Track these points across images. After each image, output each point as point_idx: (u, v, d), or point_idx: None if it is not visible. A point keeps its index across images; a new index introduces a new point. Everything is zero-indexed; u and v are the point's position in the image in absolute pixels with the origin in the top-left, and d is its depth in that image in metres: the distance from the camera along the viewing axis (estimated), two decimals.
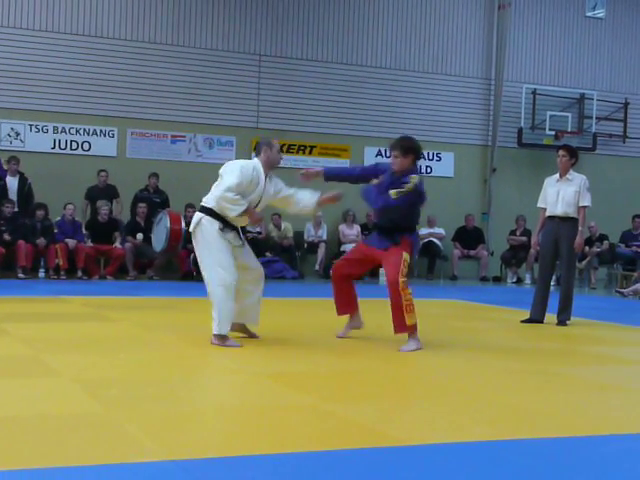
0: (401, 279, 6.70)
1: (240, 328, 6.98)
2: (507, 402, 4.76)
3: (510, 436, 3.94)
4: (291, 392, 4.85)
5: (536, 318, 9.03)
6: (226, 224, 6.67)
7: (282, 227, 16.38)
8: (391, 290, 6.75)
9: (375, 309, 8.14)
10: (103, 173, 14.83)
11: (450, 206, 17.76)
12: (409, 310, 6.69)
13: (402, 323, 6.69)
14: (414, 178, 6.94)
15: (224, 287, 6.51)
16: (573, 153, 9.12)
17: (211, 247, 6.60)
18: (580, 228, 8.90)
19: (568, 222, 8.93)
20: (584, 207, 8.91)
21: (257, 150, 7.01)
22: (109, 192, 14.83)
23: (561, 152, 9.09)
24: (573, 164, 9.07)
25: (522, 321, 9.07)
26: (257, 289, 6.90)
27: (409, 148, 7.08)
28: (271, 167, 6.92)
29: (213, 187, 6.82)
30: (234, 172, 6.69)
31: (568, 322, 8.98)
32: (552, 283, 16.02)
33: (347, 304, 7.39)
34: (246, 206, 6.61)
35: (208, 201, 6.74)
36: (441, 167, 18.13)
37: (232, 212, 6.59)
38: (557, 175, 9.10)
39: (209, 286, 6.60)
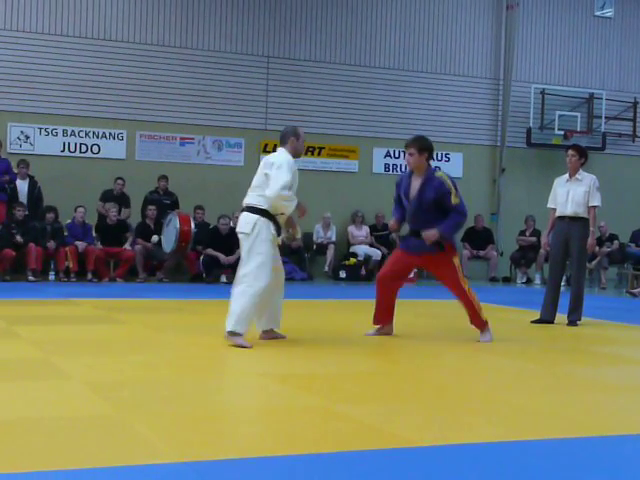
0: (465, 287, 7.32)
1: (269, 335, 6.99)
2: (518, 403, 4.75)
3: (521, 437, 3.93)
4: (301, 393, 4.86)
5: (546, 318, 9.01)
6: (278, 227, 6.76)
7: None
8: (462, 298, 7.41)
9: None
10: (120, 181, 14.84)
11: None
12: (480, 308, 7.36)
13: (480, 321, 7.39)
14: (442, 175, 7.22)
15: (263, 290, 6.55)
16: (582, 153, 9.09)
17: (262, 250, 6.62)
18: (592, 228, 8.88)
19: (578, 222, 8.90)
20: (594, 207, 8.89)
21: (283, 140, 6.90)
22: (122, 200, 14.84)
23: (570, 152, 9.06)
24: (583, 164, 9.04)
25: (532, 321, 9.05)
26: (282, 292, 6.99)
27: (424, 146, 7.22)
28: (296, 157, 6.90)
29: (256, 186, 6.77)
30: (284, 168, 6.62)
31: (579, 322, 8.96)
32: (562, 283, 16.12)
33: (386, 315, 7.57)
34: (297, 200, 6.70)
35: (260, 202, 6.69)
36: (450, 168, 18.05)
37: (289, 209, 6.68)
38: (567, 175, 9.07)
39: (246, 284, 6.56)
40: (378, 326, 7.59)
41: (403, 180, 7.40)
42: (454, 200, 7.13)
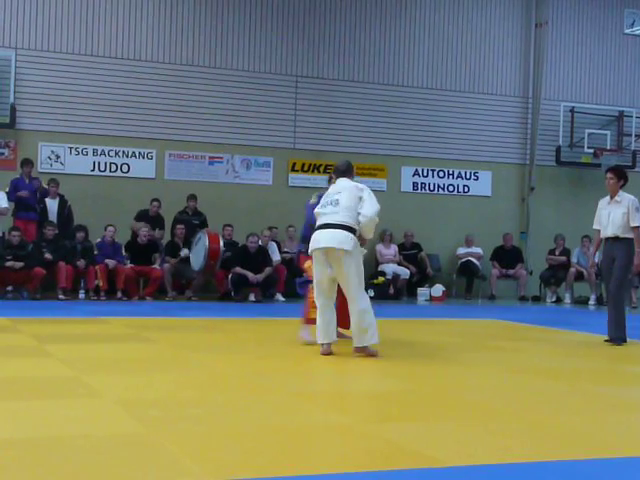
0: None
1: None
2: (549, 423, 4.71)
3: (553, 457, 3.89)
4: (330, 412, 4.84)
5: (611, 336, 8.95)
6: None
7: None
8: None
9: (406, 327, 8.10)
10: (155, 203, 14.93)
11: (488, 225, 17.68)
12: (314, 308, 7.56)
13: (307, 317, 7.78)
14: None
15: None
16: (621, 175, 9.13)
17: (360, 266, 7.20)
18: (637, 249, 8.84)
19: (621, 242, 8.92)
20: (636, 227, 8.87)
21: (348, 171, 7.66)
22: (156, 222, 14.93)
23: (608, 175, 9.11)
24: (622, 186, 9.07)
25: (605, 340, 8.97)
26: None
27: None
28: None
29: (348, 207, 7.21)
30: (374, 198, 7.36)
31: (623, 343, 8.87)
32: (591, 302, 15.99)
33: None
34: None
35: (353, 222, 7.18)
36: (479, 186, 18.06)
37: (372, 235, 7.40)
38: (608, 197, 9.11)
39: (364, 300, 7.14)
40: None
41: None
42: None
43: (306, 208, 8.08)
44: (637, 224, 8.87)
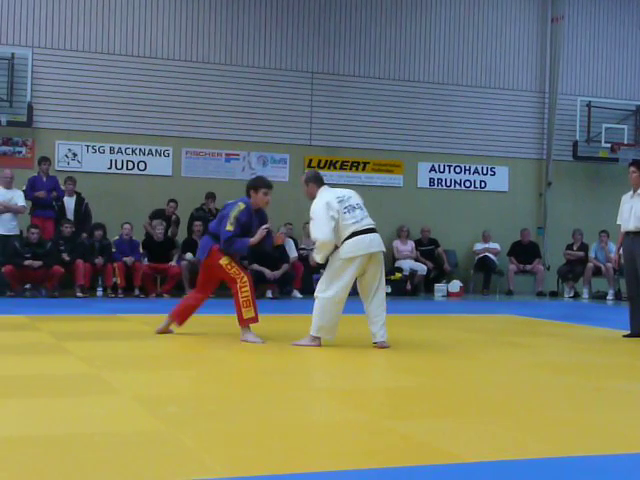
0: (237, 284, 7.80)
1: None
2: (567, 419, 4.70)
3: (570, 453, 3.88)
4: (349, 409, 4.85)
5: (636, 332, 8.89)
6: None
7: None
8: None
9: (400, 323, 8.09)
10: (172, 204, 14.99)
11: (505, 221, 17.65)
12: (248, 306, 7.78)
13: (241, 319, 7.79)
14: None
15: None
16: None
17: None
18: None
19: None
20: None
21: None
22: (171, 221, 15.00)
23: (631, 168, 9.04)
24: None
25: (624, 336, 8.92)
26: None
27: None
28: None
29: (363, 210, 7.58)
30: None
31: None
32: (609, 298, 15.85)
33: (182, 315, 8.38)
34: None
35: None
36: (495, 181, 18.02)
37: None
38: (631, 191, 9.04)
39: (385, 301, 7.53)
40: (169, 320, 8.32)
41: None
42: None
43: (238, 213, 7.91)
44: None
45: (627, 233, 8.99)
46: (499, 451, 3.89)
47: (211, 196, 15.20)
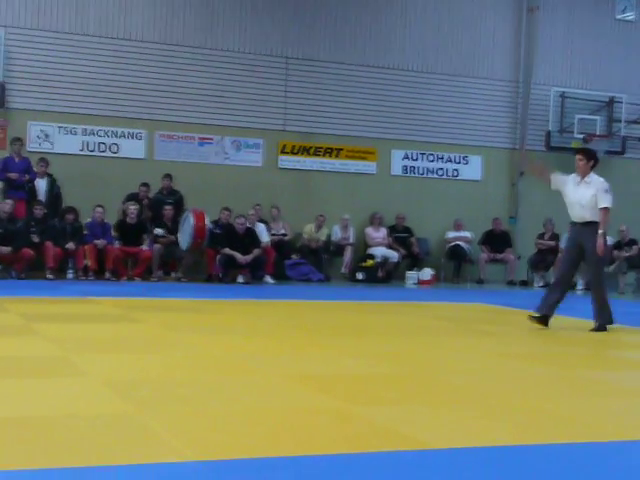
0: None
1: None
2: (535, 407, 4.74)
3: (537, 441, 3.92)
4: (318, 394, 4.86)
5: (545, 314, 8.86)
6: None
7: (321, 230, 16.39)
8: None
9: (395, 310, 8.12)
10: (143, 188, 14.97)
11: (477, 209, 17.73)
12: None
13: None
14: None
15: None
16: (590, 156, 8.92)
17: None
18: (600, 230, 8.69)
19: (589, 227, 8.73)
20: (603, 209, 8.70)
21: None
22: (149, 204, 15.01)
23: (578, 156, 8.94)
24: (592, 167, 8.90)
25: (530, 317, 8.88)
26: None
27: None
28: None
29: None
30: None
31: (608, 327, 8.80)
32: (579, 288, 15.78)
33: None
34: None
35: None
36: (468, 170, 18.08)
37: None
38: (579, 178, 8.96)
39: None
40: None
41: None
42: None
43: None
44: (605, 205, 8.60)
45: (574, 223, 8.86)
46: (467, 438, 3.91)
47: (166, 177, 15.20)
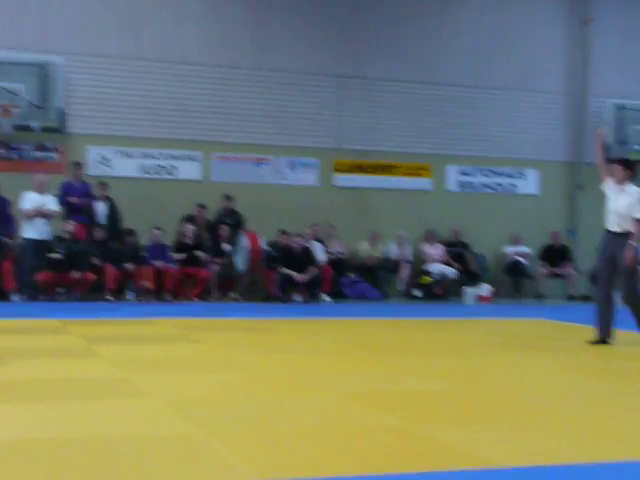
0: None
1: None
2: (600, 424, 4.65)
3: (606, 459, 3.85)
4: (378, 413, 4.83)
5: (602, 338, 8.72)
6: None
7: (375, 246, 16.35)
8: None
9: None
10: (200, 209, 15.10)
11: (534, 224, 17.54)
12: None
13: None
14: None
15: None
16: (628, 164, 8.90)
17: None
18: (631, 241, 8.53)
19: (623, 237, 8.61)
20: (637, 220, 8.58)
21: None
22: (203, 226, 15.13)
23: (616, 165, 8.94)
24: (630, 177, 8.81)
25: (591, 342, 8.72)
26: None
27: None
28: None
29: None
30: None
31: None
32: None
33: None
34: None
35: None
36: (525, 185, 17.92)
37: None
38: (618, 186, 8.83)
39: None
40: None
41: None
42: None
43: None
44: (639, 216, 8.52)
45: (608, 231, 8.78)
46: (532, 456, 3.86)
47: (226, 198, 15.26)
